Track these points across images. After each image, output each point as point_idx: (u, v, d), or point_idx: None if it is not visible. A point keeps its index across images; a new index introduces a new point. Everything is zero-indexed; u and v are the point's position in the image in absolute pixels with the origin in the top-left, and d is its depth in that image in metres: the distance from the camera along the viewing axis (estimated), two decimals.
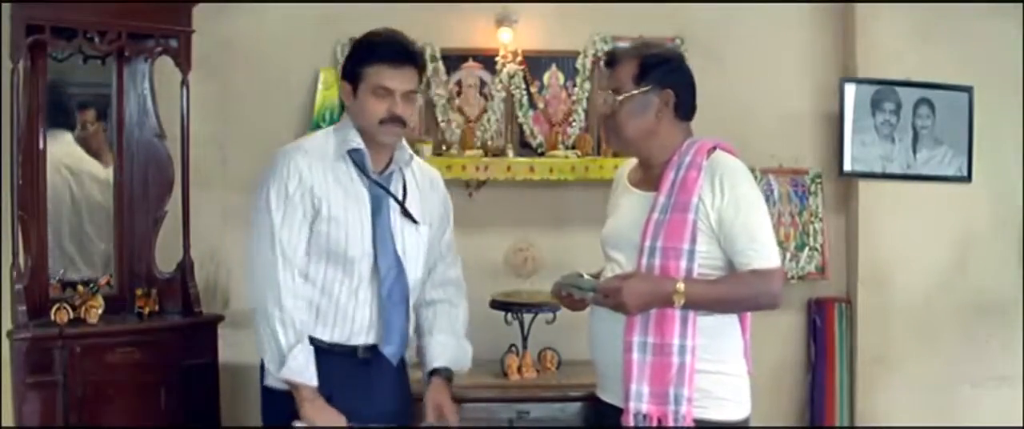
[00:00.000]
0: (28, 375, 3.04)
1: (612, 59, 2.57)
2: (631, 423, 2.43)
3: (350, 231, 2.51)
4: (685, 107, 2.53)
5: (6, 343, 3.08)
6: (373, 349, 2.56)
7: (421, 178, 2.69)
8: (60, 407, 3.06)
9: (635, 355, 2.42)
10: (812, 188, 3.84)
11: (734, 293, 2.44)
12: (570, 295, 2.48)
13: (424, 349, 2.71)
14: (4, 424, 3.11)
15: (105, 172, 3.54)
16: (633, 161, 2.65)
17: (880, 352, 3.83)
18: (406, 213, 2.60)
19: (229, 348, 3.43)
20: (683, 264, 2.41)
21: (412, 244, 2.61)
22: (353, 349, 2.54)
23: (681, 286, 2.38)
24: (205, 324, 3.41)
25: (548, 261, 3.74)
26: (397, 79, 2.53)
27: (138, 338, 3.25)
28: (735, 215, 2.41)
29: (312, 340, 2.50)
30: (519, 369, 3.41)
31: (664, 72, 2.51)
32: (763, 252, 2.41)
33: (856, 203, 3.84)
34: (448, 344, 2.71)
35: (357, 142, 2.54)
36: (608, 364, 2.51)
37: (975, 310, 3.86)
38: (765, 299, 2.45)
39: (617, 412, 2.49)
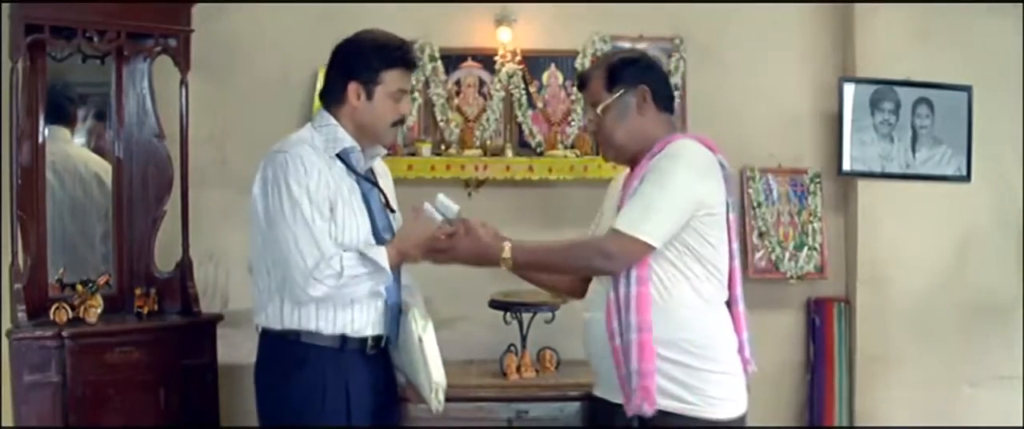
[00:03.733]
0: (27, 375, 3.05)
1: (582, 81, 2.62)
2: (632, 410, 2.43)
3: (359, 226, 2.54)
4: (663, 98, 2.57)
5: (5, 343, 3.09)
6: (377, 341, 2.58)
7: (380, 168, 2.75)
8: (59, 407, 3.07)
9: (618, 341, 2.43)
10: (811, 188, 3.84)
11: (563, 253, 2.53)
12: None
13: None
14: (3, 424, 3.11)
15: (104, 171, 3.54)
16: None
17: (879, 352, 3.82)
18: (387, 204, 2.67)
19: (228, 348, 3.44)
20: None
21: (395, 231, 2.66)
22: (363, 341, 2.56)
23: (507, 246, 2.49)
24: (204, 324, 3.42)
25: None
26: (409, 82, 2.65)
27: (137, 338, 3.26)
28: (640, 184, 2.42)
29: (328, 337, 2.53)
30: (518, 369, 3.41)
31: (632, 71, 2.55)
32: (626, 217, 2.41)
33: (855, 203, 3.84)
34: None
35: (349, 141, 2.57)
36: (599, 359, 2.52)
37: (975, 310, 3.86)
38: (598, 260, 2.45)
39: (610, 407, 2.50)
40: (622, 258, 2.41)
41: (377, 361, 2.62)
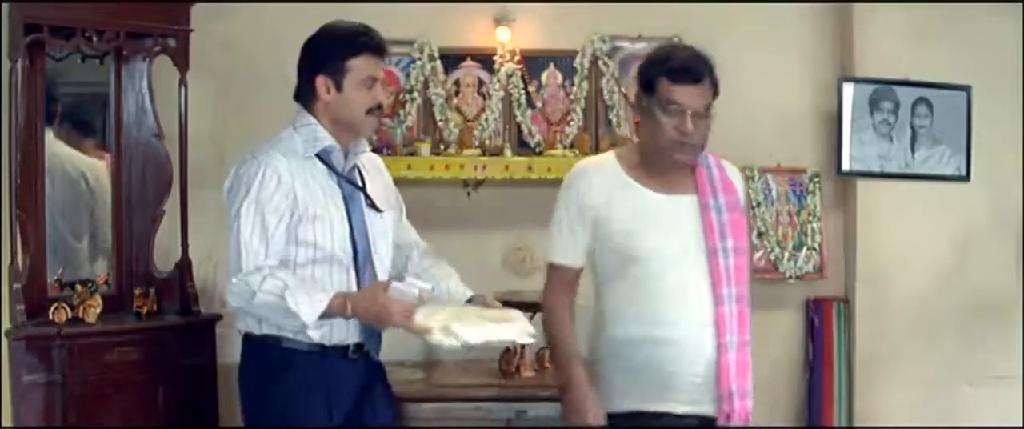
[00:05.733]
0: (26, 374, 3.04)
1: (700, 76, 2.44)
2: (728, 424, 2.39)
3: (334, 230, 2.51)
4: None
5: (5, 342, 3.08)
6: (359, 348, 2.57)
7: (368, 164, 2.70)
8: (58, 406, 3.07)
9: (732, 355, 2.36)
10: (810, 187, 3.85)
11: None
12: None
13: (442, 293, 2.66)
14: (3, 424, 3.11)
15: (89, 169, 3.53)
16: (608, 159, 2.61)
17: (878, 351, 3.83)
18: (372, 205, 2.61)
19: (227, 347, 3.42)
20: (747, 262, 2.42)
21: (380, 233, 2.61)
22: (344, 349, 2.54)
23: None
24: (203, 323, 3.41)
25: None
26: (379, 68, 2.56)
27: (136, 337, 3.26)
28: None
29: (307, 344, 2.50)
30: (517, 368, 3.41)
31: None
32: None
33: (854, 202, 3.85)
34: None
35: (329, 141, 2.54)
36: (692, 375, 2.39)
37: (974, 309, 3.86)
38: None
39: (685, 420, 2.41)
40: None
41: (361, 363, 2.58)
